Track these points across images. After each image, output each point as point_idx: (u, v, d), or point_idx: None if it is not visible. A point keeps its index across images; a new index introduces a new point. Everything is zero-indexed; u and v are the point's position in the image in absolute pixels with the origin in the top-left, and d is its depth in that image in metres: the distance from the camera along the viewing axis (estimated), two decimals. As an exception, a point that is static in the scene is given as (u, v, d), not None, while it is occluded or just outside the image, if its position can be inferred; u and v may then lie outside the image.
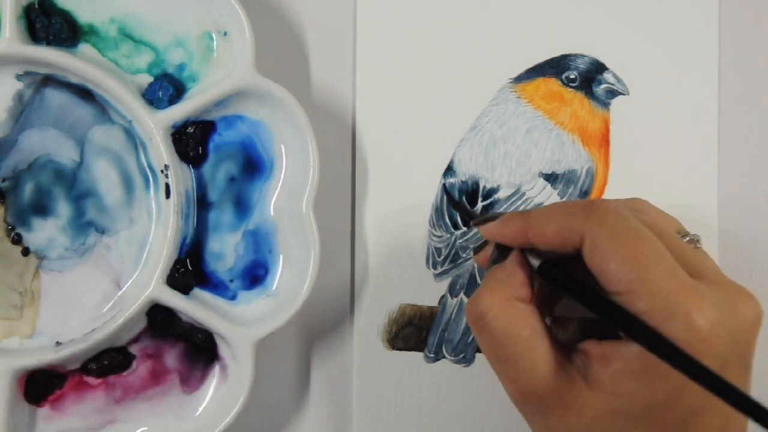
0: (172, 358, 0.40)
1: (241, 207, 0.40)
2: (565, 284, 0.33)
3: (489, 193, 0.42)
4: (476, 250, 0.38)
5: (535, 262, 0.34)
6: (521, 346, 0.32)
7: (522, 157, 0.42)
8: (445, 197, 0.42)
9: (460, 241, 0.42)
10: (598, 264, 0.31)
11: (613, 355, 0.31)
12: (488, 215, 0.37)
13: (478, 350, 0.42)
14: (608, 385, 0.31)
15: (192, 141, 0.40)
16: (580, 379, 0.32)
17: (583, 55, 0.42)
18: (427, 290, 0.42)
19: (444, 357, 0.42)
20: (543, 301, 0.37)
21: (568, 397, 0.32)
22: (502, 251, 0.36)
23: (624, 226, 0.32)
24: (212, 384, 0.40)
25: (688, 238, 0.36)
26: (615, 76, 0.42)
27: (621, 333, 0.31)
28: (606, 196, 0.42)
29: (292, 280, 0.40)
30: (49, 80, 0.39)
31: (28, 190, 0.40)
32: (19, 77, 0.39)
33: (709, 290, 0.31)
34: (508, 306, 0.33)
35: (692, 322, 0.29)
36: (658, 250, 0.31)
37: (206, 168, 0.40)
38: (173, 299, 0.39)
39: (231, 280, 0.40)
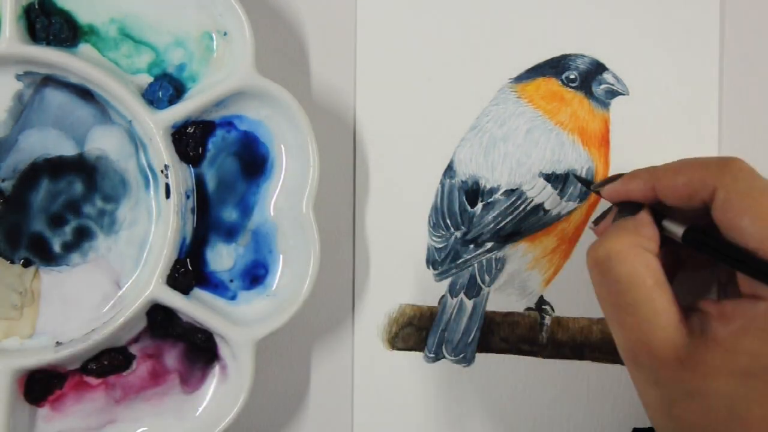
0: (172, 358, 0.40)
1: (241, 207, 0.40)
2: (714, 248, 0.33)
3: (489, 192, 0.42)
4: (597, 221, 0.37)
5: (678, 230, 0.34)
6: (644, 294, 0.32)
7: (522, 157, 0.42)
8: (445, 197, 0.42)
9: (460, 240, 0.42)
10: (730, 219, 0.31)
11: (735, 313, 0.31)
12: (608, 178, 0.37)
13: (479, 350, 0.42)
14: (729, 342, 0.31)
15: (192, 141, 0.40)
16: (699, 336, 0.32)
17: (583, 55, 0.42)
18: (427, 290, 0.42)
19: (444, 357, 0.42)
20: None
21: (684, 352, 0.32)
22: (627, 210, 0.35)
23: (758, 184, 0.32)
24: (212, 384, 0.40)
25: None
26: (615, 76, 0.42)
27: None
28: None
29: (292, 280, 0.40)
30: (49, 80, 0.39)
31: (28, 190, 0.40)
32: (19, 77, 0.39)
33: None
34: (636, 253, 0.33)
35: None
36: None
37: (206, 168, 0.40)
38: (173, 299, 0.39)
39: (231, 280, 0.40)
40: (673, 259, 0.38)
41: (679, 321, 0.32)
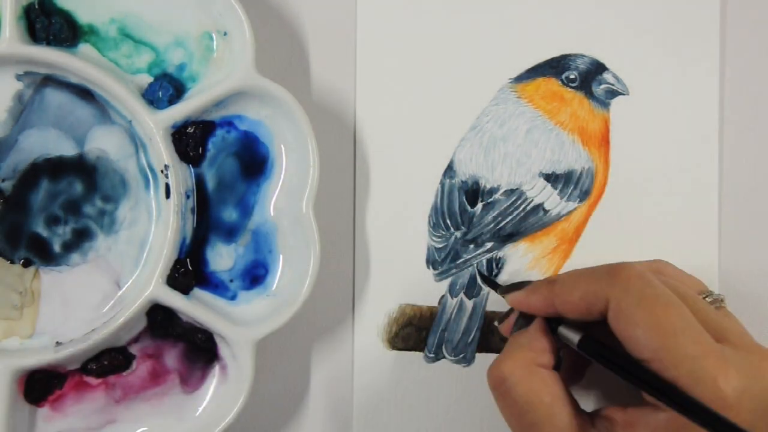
0: (172, 358, 0.40)
1: (241, 207, 0.40)
2: (606, 358, 0.33)
3: (489, 192, 0.42)
4: (501, 320, 0.38)
5: (574, 337, 0.34)
6: (543, 412, 0.32)
7: (522, 157, 0.42)
8: (445, 197, 0.42)
9: (460, 239, 0.42)
10: (624, 330, 0.31)
11: (639, 422, 0.31)
12: (514, 284, 0.37)
13: (479, 350, 0.42)
14: None
15: (192, 141, 0.40)
16: None
17: (583, 55, 0.42)
18: (427, 290, 0.42)
19: (444, 357, 0.42)
20: (572, 368, 0.38)
21: None
22: (526, 319, 0.36)
23: (650, 292, 0.32)
24: (212, 384, 0.40)
25: (711, 299, 0.36)
26: (615, 76, 0.42)
27: (665, 404, 0.31)
28: (606, 196, 0.42)
29: (292, 280, 0.40)
30: (49, 80, 0.39)
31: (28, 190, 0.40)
32: (19, 77, 0.39)
33: (734, 355, 0.31)
34: (530, 371, 0.33)
35: (718, 390, 0.30)
36: (684, 316, 0.31)
37: (206, 168, 0.40)
38: (173, 299, 0.39)
39: (231, 280, 0.40)
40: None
41: None
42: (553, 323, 0.35)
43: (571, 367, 0.38)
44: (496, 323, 0.38)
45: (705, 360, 0.30)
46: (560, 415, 0.32)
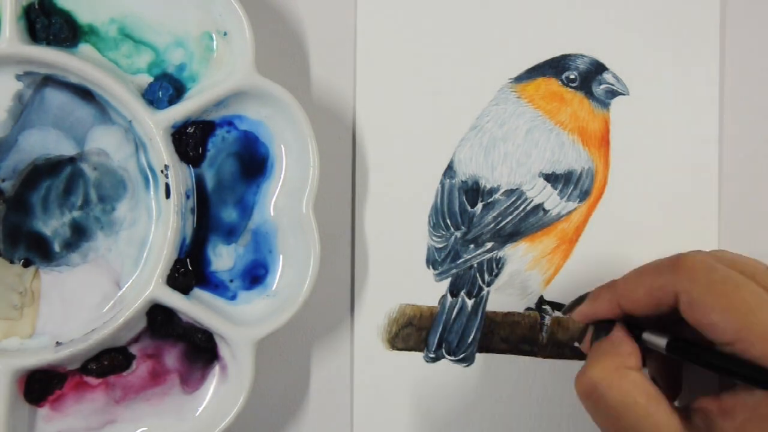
0: (172, 358, 0.40)
1: (241, 207, 0.40)
2: (696, 355, 0.33)
3: (489, 192, 0.42)
4: (579, 339, 0.38)
5: (661, 341, 0.34)
6: (640, 413, 0.32)
7: (522, 157, 0.42)
8: (445, 197, 0.42)
9: (460, 238, 0.42)
10: (701, 318, 0.31)
11: (735, 407, 0.31)
12: (575, 300, 0.37)
13: (479, 350, 0.42)
14: None
15: (192, 141, 0.40)
16: None
17: (583, 55, 0.42)
18: (427, 290, 0.42)
19: (444, 357, 0.42)
20: (663, 376, 0.37)
21: None
22: (602, 328, 0.36)
23: (717, 277, 0.32)
24: (212, 384, 0.40)
25: None
26: (615, 76, 0.42)
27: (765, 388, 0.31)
28: (606, 196, 0.42)
29: (292, 280, 0.40)
30: (49, 80, 0.39)
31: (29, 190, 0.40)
32: (19, 77, 0.39)
33: None
34: (620, 375, 0.33)
35: None
36: (756, 292, 0.31)
37: (206, 168, 0.40)
38: (173, 299, 0.39)
39: (231, 280, 0.40)
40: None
41: (683, 430, 0.32)
42: (635, 330, 0.35)
43: (661, 375, 0.37)
44: (576, 344, 0.38)
45: None
46: (657, 414, 0.32)
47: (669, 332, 0.34)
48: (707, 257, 0.33)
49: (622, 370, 0.33)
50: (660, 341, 0.34)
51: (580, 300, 0.37)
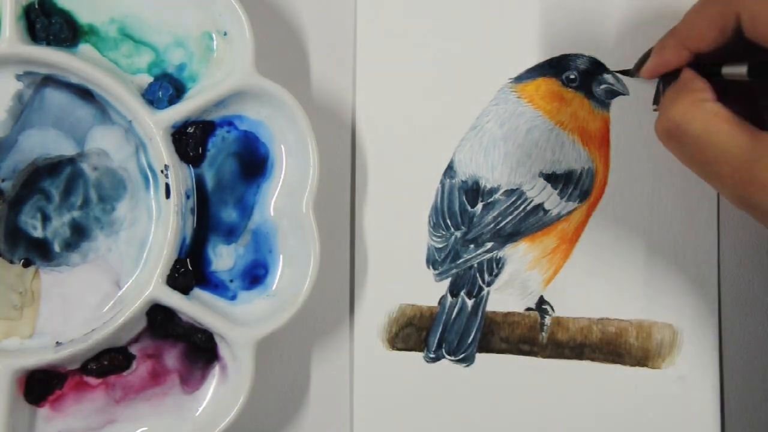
0: (172, 358, 0.40)
1: (241, 207, 0.40)
2: None
3: (489, 192, 0.42)
4: (655, 101, 0.38)
5: (741, 69, 0.34)
6: (723, 138, 0.32)
7: (522, 157, 0.42)
8: (445, 197, 0.42)
9: (460, 241, 0.42)
10: (763, 31, 0.32)
11: None
12: (640, 59, 0.38)
13: (479, 350, 0.42)
14: None
15: (192, 141, 0.40)
16: None
17: (583, 55, 0.42)
18: (427, 290, 0.42)
19: (444, 357, 0.42)
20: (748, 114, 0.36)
21: None
22: (671, 78, 0.36)
23: None
24: (212, 384, 0.40)
25: None
26: (615, 76, 0.42)
27: None
28: (606, 196, 0.42)
29: (292, 280, 0.40)
30: (49, 80, 0.39)
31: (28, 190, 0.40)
32: (19, 77, 0.39)
33: None
34: (701, 108, 0.33)
35: None
36: None
37: (206, 168, 0.40)
38: (173, 299, 0.39)
39: (231, 280, 0.40)
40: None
41: None
42: (712, 68, 0.35)
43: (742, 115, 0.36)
44: (653, 107, 0.39)
45: None
46: (741, 137, 0.32)
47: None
48: None
49: (700, 103, 0.33)
50: (740, 69, 0.34)
51: (645, 57, 0.37)
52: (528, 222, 0.42)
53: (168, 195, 0.39)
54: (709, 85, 0.34)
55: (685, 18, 0.35)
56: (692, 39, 0.35)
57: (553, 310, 0.42)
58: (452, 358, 0.42)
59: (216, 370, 0.41)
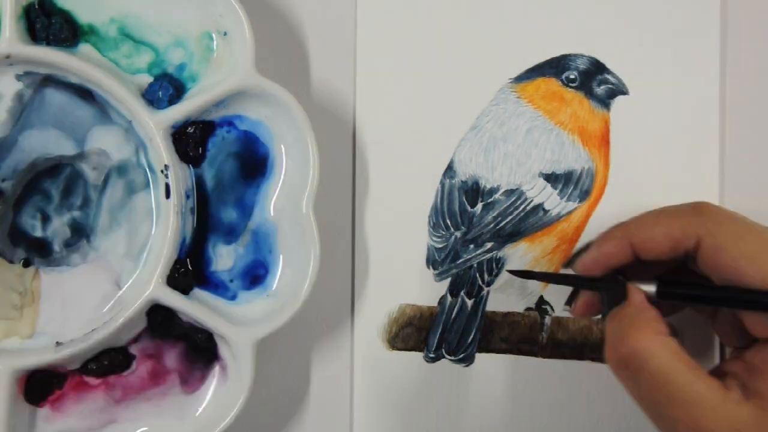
0: (172, 358, 0.40)
1: (241, 207, 0.40)
2: (697, 295, 0.32)
3: (489, 192, 0.42)
4: (568, 302, 0.36)
5: (649, 288, 0.33)
6: (685, 381, 0.31)
7: (522, 157, 0.42)
8: (445, 197, 0.42)
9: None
10: (725, 264, 0.31)
11: (764, 363, 0.31)
12: (577, 251, 0.37)
13: (479, 350, 0.42)
14: None
15: (192, 141, 0.40)
16: (744, 402, 0.31)
17: (583, 55, 0.42)
18: (427, 290, 0.42)
19: (444, 357, 0.42)
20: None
21: (742, 424, 0.30)
22: (610, 292, 0.34)
23: (740, 226, 0.32)
24: (212, 384, 0.40)
25: None
26: (615, 76, 0.42)
27: None
28: (606, 196, 0.42)
29: (292, 280, 0.40)
30: (49, 80, 0.39)
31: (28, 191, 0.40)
32: (19, 77, 0.39)
33: None
34: (660, 342, 0.32)
35: None
36: None
37: (206, 168, 0.40)
38: (173, 299, 0.39)
39: (231, 280, 0.40)
40: None
41: (725, 396, 0.31)
42: (636, 284, 0.33)
43: None
44: (565, 307, 0.37)
45: None
46: (698, 382, 0.31)
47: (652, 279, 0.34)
48: (725, 208, 0.33)
49: (660, 337, 0.32)
50: (649, 288, 0.33)
51: (584, 248, 0.36)
52: (528, 222, 0.42)
53: (168, 195, 0.39)
54: (659, 312, 0.33)
55: (639, 218, 0.34)
56: (641, 240, 0.33)
57: (553, 310, 0.42)
58: (452, 358, 0.42)
59: (216, 370, 0.41)
